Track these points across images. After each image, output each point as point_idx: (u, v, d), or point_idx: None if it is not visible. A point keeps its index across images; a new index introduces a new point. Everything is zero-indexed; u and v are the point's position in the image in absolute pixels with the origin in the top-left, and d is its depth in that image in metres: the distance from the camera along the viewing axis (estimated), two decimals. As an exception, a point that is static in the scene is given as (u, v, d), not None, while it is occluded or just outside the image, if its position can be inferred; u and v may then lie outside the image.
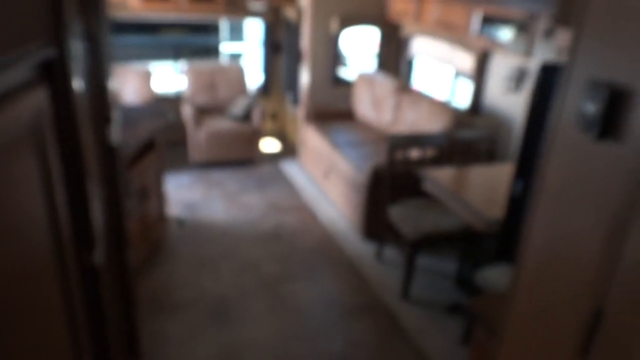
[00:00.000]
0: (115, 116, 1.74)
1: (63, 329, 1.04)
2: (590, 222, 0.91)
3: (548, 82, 1.23)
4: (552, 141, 1.01)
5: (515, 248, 1.30)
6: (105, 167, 1.51)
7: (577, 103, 0.92)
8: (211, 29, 7.31)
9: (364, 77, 5.19)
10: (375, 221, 3.89)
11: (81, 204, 1.19)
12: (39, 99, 0.89)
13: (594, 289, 0.88)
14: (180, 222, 4.18)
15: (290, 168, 5.45)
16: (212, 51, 6.64)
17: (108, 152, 1.51)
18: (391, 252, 3.84)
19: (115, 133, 1.60)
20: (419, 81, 5.23)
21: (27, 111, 0.82)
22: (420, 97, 4.37)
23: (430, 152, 3.64)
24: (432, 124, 4.00)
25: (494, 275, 2.59)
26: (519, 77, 3.62)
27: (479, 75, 4.04)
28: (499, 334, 1.27)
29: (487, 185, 3.09)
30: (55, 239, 1.00)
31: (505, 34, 3.39)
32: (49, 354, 0.95)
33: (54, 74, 0.98)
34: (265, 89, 6.21)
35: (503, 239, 1.31)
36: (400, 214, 3.37)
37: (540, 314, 1.06)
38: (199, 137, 5.14)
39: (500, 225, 2.62)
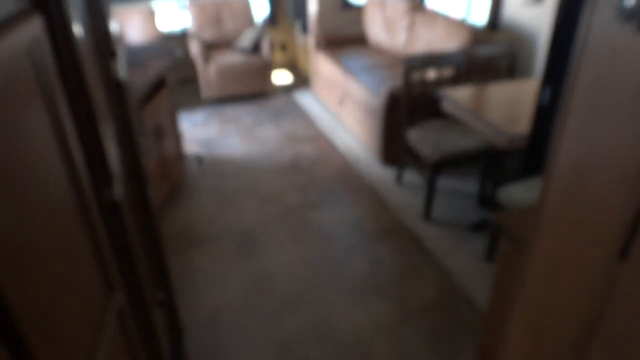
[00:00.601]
0: (120, 52, 1.68)
1: (91, 265, 1.05)
2: (630, 122, 0.85)
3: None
4: (584, 39, 0.93)
5: (544, 159, 1.25)
6: (115, 104, 1.48)
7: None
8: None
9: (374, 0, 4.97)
10: (394, 146, 3.84)
11: (93, 141, 1.16)
12: (34, 29, 0.84)
13: (635, 187, 0.84)
14: (199, 160, 4.18)
15: (304, 98, 5.35)
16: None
17: (116, 88, 1.47)
18: (411, 176, 3.81)
19: (122, 69, 1.55)
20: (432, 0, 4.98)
21: (23, 41, 0.77)
22: (435, 16, 4.17)
23: (448, 72, 3.52)
24: (448, 44, 3.84)
25: (518, 192, 2.56)
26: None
27: (497, -15, 3.82)
28: (528, 247, 1.25)
29: (509, 103, 2.99)
30: (72, 177, 0.98)
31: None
32: (80, 289, 0.96)
33: (47, 2, 0.93)
34: (273, 19, 6.01)
35: (531, 151, 1.25)
36: (419, 137, 3.30)
37: (573, 222, 1.03)
38: (209, 73, 5.05)
39: (525, 138, 2.56)
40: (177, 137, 3.78)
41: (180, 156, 3.85)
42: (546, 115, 1.20)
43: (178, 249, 3.14)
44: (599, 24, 0.90)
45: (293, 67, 6.27)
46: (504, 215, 1.47)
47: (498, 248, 1.59)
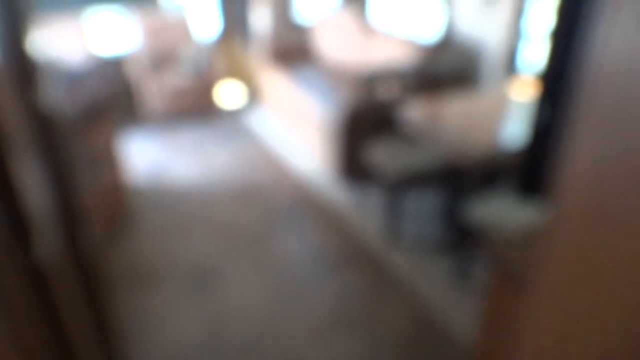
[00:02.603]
0: (48, 77, 1.44)
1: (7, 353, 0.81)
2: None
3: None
4: (601, 53, 0.80)
5: (544, 181, 1.11)
6: (39, 139, 1.23)
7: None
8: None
9: (324, 16, 4.85)
10: (352, 166, 3.69)
11: (6, 187, 0.93)
12: None
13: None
14: (144, 187, 3.88)
15: (255, 117, 5.15)
16: None
17: (40, 120, 1.22)
18: (373, 196, 3.67)
19: (49, 97, 1.30)
20: (382, 14, 4.92)
21: None
22: (387, 31, 4.09)
23: (402, 87, 3.42)
24: (401, 59, 3.75)
25: (489, 209, 2.45)
26: (490, -4, 3.38)
27: (447, -2, 3.78)
28: (529, 285, 1.10)
29: (465, 116, 2.91)
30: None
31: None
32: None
33: None
34: (220, 36, 5.78)
35: (528, 172, 1.13)
36: (377, 155, 3.17)
37: (594, 257, 0.88)
38: (151, 94, 4.76)
39: (487, 155, 2.46)
40: (118, 165, 3.48)
41: (123, 185, 3.54)
42: (546, 132, 1.07)
43: (125, 289, 2.84)
44: (619, 35, 0.77)
45: (243, 84, 6.05)
46: (495, 245, 1.32)
47: (488, 283, 1.44)
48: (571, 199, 0.91)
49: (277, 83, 4.68)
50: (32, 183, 1.13)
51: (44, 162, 1.34)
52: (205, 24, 5.74)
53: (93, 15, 5.14)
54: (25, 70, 1.20)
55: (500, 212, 2.39)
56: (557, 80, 1.06)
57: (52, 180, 1.39)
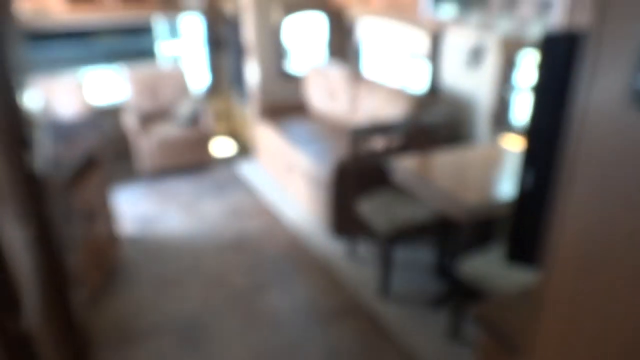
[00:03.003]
0: (39, 138, 1.46)
1: None
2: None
3: (555, 55, 1.05)
4: (581, 120, 0.83)
5: (533, 247, 1.12)
6: (28, 200, 1.23)
7: (621, 76, 0.74)
8: (146, 30, 6.89)
9: (314, 68, 4.98)
10: (344, 218, 3.70)
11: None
12: None
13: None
14: (135, 240, 3.85)
15: (247, 169, 5.18)
16: (148, 53, 6.25)
17: (30, 181, 1.23)
18: (364, 249, 3.66)
19: (40, 158, 1.32)
20: (371, 67, 5.06)
21: None
22: (375, 84, 4.19)
23: (393, 140, 3.47)
24: (390, 111, 3.84)
25: (478, 264, 2.45)
26: (477, 53, 3.49)
27: (435, 54, 3.90)
28: (523, 347, 1.09)
29: (458, 170, 2.95)
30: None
31: (457, 9, 3.25)
32: None
33: None
34: (211, 88, 5.90)
35: (515, 238, 1.14)
36: (370, 208, 3.18)
37: (589, 323, 0.88)
38: (145, 146, 4.80)
39: (480, 209, 2.48)
40: (110, 218, 3.47)
41: (114, 238, 3.52)
42: (530, 200, 1.09)
43: (113, 346, 2.77)
44: (602, 104, 0.80)
45: (235, 136, 6.12)
46: (486, 307, 1.32)
47: (479, 346, 1.43)
48: (560, 266, 0.92)
49: (268, 135, 4.74)
50: (20, 247, 1.12)
51: (32, 224, 1.34)
52: (199, 76, 5.86)
53: (90, 72, 5.26)
54: (20, 134, 1.22)
55: (493, 269, 2.39)
56: (539, 145, 1.09)
57: (41, 243, 1.38)
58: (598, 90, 0.80)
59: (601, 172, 0.82)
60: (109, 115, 5.28)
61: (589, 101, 0.82)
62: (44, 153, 1.43)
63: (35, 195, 1.26)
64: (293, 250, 3.72)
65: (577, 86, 0.84)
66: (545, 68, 1.05)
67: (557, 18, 2.40)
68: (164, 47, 5.96)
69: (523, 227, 1.13)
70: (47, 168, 1.42)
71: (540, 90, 1.09)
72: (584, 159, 0.84)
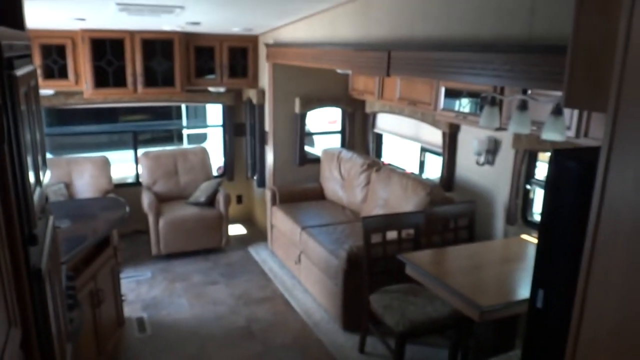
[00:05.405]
0: (46, 234, 1.46)
1: None
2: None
3: (563, 170, 1.05)
4: (602, 239, 0.81)
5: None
6: (26, 300, 1.19)
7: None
8: (173, 113, 7.18)
9: (329, 155, 5.07)
10: (355, 310, 3.57)
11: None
12: None
13: None
14: (141, 325, 3.77)
15: (260, 254, 5.14)
16: (174, 136, 6.47)
17: (33, 278, 1.20)
18: (375, 343, 3.50)
19: (45, 255, 1.30)
20: (387, 157, 5.14)
21: None
22: (391, 171, 4.23)
23: (408, 232, 3.44)
24: (406, 200, 3.83)
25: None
26: (491, 150, 3.53)
27: (450, 150, 3.95)
28: None
29: (473, 268, 2.86)
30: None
31: (473, 107, 3.32)
32: None
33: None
34: (230, 172, 6.01)
35: (527, 354, 1.08)
36: (382, 303, 3.09)
37: None
38: (159, 227, 4.82)
39: (496, 310, 2.38)
40: (117, 300, 3.42)
41: (119, 322, 3.45)
42: (542, 318, 1.05)
43: None
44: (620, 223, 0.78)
45: (249, 220, 6.14)
46: None
47: None
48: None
49: (282, 221, 4.74)
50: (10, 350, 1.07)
51: (23, 327, 1.27)
52: (219, 159, 6.00)
53: (115, 151, 5.44)
54: (26, 230, 1.20)
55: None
56: (547, 265, 1.06)
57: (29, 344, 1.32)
58: (616, 204, 0.78)
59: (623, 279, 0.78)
60: (131, 193, 5.37)
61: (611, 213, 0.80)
62: (47, 250, 1.42)
63: (35, 291, 1.22)
64: (302, 341, 3.59)
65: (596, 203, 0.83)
66: (550, 186, 1.04)
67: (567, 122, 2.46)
68: (190, 130, 6.18)
69: (536, 343, 1.07)
70: (46, 267, 1.39)
71: (546, 209, 1.08)
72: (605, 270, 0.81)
